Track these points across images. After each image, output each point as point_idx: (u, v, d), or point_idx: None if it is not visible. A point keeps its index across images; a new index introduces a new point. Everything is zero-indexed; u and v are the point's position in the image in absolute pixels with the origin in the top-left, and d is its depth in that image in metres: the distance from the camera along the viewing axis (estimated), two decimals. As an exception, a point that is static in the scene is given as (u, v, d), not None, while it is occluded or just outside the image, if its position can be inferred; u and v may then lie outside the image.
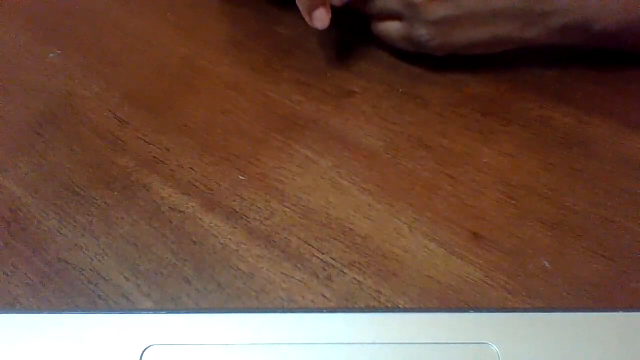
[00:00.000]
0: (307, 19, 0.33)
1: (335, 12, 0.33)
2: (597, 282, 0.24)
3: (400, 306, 0.23)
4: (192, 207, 0.27)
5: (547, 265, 0.25)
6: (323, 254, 0.25)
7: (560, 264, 0.25)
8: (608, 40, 0.31)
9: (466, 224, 0.26)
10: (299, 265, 0.25)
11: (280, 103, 0.33)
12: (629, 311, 0.21)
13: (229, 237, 0.26)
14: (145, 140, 0.31)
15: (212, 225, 0.27)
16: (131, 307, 0.24)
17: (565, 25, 0.30)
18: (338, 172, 0.29)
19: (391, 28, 0.34)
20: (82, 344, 0.20)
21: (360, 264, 0.25)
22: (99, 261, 0.25)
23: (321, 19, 0.32)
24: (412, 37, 0.33)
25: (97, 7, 0.41)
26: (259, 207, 0.27)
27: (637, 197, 0.27)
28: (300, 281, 0.24)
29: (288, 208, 0.27)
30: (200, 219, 0.27)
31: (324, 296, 0.24)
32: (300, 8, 0.32)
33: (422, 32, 0.32)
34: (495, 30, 0.31)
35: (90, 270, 0.25)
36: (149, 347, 0.20)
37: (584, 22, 0.30)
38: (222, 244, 0.26)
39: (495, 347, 0.20)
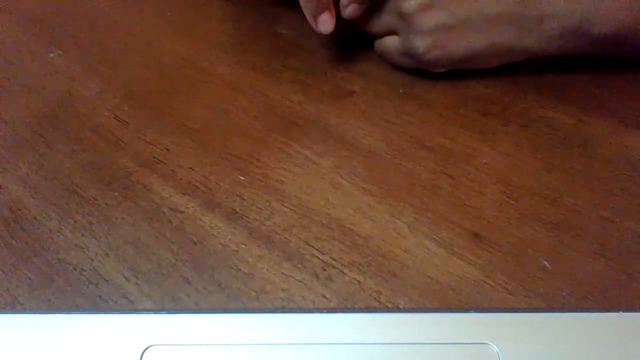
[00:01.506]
0: (312, 23, 0.33)
1: (340, 17, 0.33)
2: (597, 282, 0.24)
3: (400, 306, 0.23)
4: (192, 207, 0.27)
5: (547, 265, 0.25)
6: (323, 254, 0.25)
7: (560, 264, 0.25)
8: (609, 45, 0.31)
9: (466, 224, 0.26)
10: (299, 265, 0.25)
11: (280, 103, 0.33)
12: (629, 311, 0.21)
13: (229, 237, 0.26)
14: (145, 140, 0.31)
15: (212, 225, 0.27)
16: (131, 307, 0.24)
17: (563, 29, 0.30)
18: (338, 172, 0.29)
19: (390, 44, 0.34)
20: (82, 344, 0.20)
21: (360, 264, 0.25)
22: (99, 261, 0.25)
23: (326, 23, 0.32)
24: (408, 50, 0.32)
25: (97, 7, 0.41)
26: (259, 207, 0.27)
27: (637, 197, 0.27)
28: (300, 281, 0.24)
29: (288, 208, 0.27)
30: (200, 219, 0.27)
31: (324, 296, 0.24)
32: (305, 13, 0.32)
33: (418, 44, 0.31)
34: (492, 37, 0.31)
35: (90, 270, 0.25)
36: (149, 347, 0.20)
37: (581, 26, 0.30)
38: (222, 244, 0.26)
39: (495, 347, 0.20)
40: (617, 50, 0.32)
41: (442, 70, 0.33)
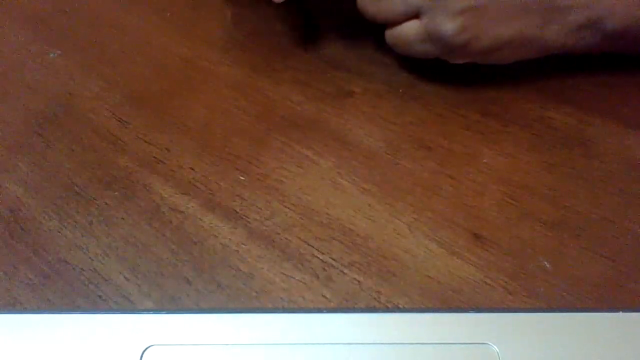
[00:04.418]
0: None
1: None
2: (597, 282, 0.24)
3: (400, 306, 0.23)
4: (192, 207, 0.27)
5: (547, 265, 0.25)
6: (323, 254, 0.25)
7: (560, 264, 0.25)
8: (619, 41, 0.31)
9: (466, 224, 0.26)
10: (299, 265, 0.25)
11: (280, 103, 0.33)
12: (629, 311, 0.21)
13: (229, 237, 0.26)
14: (145, 140, 0.31)
15: (212, 225, 0.27)
16: (131, 307, 0.24)
17: (582, 23, 0.30)
18: (338, 172, 0.29)
19: (409, 30, 0.32)
20: (82, 344, 0.20)
21: (360, 264, 0.25)
22: (99, 261, 0.25)
23: None
24: (434, 34, 0.30)
25: (97, 7, 0.41)
26: (259, 207, 0.27)
27: (637, 197, 0.27)
28: (300, 281, 0.24)
29: (288, 208, 0.27)
30: (200, 219, 0.27)
31: (324, 296, 0.24)
32: None
33: (448, 26, 0.30)
34: (519, 25, 0.30)
35: (90, 270, 0.25)
36: (149, 347, 0.20)
37: (598, 19, 0.30)
38: (222, 244, 0.26)
39: (495, 347, 0.20)
40: (627, 48, 0.32)
41: (461, 61, 0.32)
